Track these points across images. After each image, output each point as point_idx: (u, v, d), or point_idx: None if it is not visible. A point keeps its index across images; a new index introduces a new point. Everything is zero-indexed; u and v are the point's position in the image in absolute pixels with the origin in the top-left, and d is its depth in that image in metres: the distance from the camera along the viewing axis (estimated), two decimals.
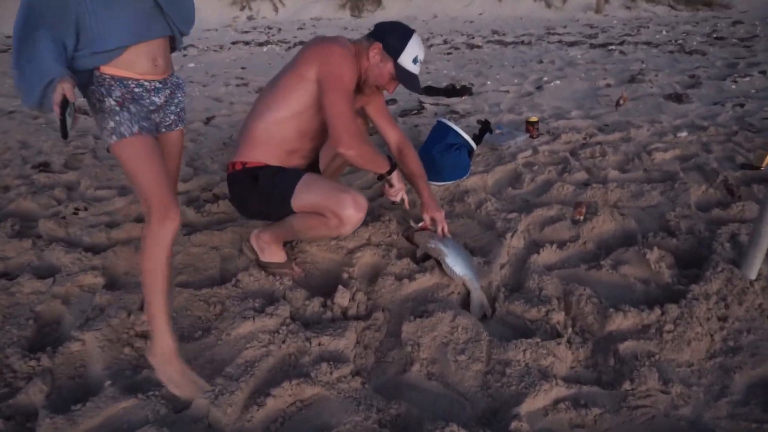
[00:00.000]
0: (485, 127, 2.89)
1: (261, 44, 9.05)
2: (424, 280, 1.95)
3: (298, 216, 1.99)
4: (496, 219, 2.36)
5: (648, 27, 9.19)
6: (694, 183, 2.61)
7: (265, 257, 2.08)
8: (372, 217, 2.41)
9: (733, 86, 4.42)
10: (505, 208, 2.50)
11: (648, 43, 7.16)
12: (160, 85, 1.60)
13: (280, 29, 11.17)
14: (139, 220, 2.48)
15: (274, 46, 8.87)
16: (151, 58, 1.54)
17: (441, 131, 2.75)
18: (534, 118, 3.39)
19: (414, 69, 1.98)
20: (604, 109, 4.07)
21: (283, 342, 1.65)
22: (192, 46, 8.97)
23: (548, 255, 2.11)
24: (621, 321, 1.69)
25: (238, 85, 5.59)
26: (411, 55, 1.95)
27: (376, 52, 1.94)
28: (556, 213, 2.39)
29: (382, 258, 2.11)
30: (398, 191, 2.13)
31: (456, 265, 1.94)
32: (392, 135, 2.24)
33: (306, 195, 1.92)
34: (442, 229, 2.13)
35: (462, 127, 3.82)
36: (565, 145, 3.29)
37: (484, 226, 2.37)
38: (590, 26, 9.85)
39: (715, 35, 7.53)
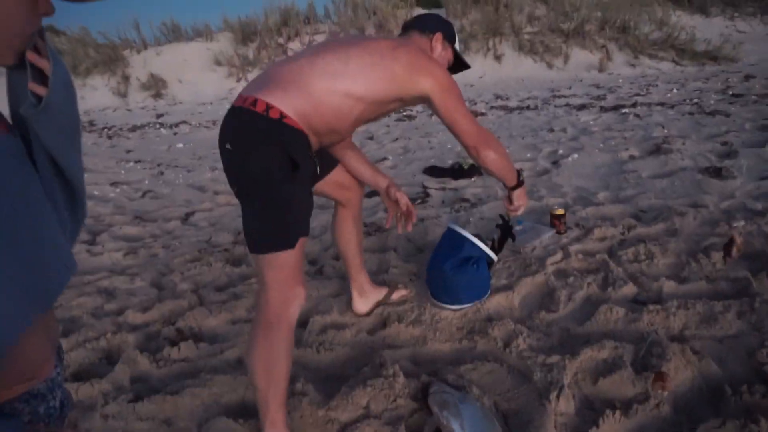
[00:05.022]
0: (506, 231, 2.39)
1: None
2: None
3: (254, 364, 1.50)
4: (532, 365, 1.81)
5: (657, 85, 8.90)
6: None
7: None
8: (371, 368, 1.88)
9: None
10: (543, 346, 1.96)
11: (662, 104, 6.79)
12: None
13: None
14: None
15: None
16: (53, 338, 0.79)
17: (453, 242, 2.25)
18: (560, 211, 2.90)
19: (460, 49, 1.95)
20: (634, 189, 3.58)
21: None
22: (185, 122, 8.72)
23: (611, 428, 1.55)
24: None
25: None
26: (456, 36, 1.92)
27: (439, 41, 1.84)
28: (611, 355, 1.84)
29: None
30: (519, 207, 2.04)
31: None
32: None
33: (283, 253, 1.45)
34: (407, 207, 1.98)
35: (476, 220, 3.35)
36: (599, 242, 2.77)
37: (518, 374, 1.82)
38: (596, 86, 9.59)
39: (730, 92, 7.18)
